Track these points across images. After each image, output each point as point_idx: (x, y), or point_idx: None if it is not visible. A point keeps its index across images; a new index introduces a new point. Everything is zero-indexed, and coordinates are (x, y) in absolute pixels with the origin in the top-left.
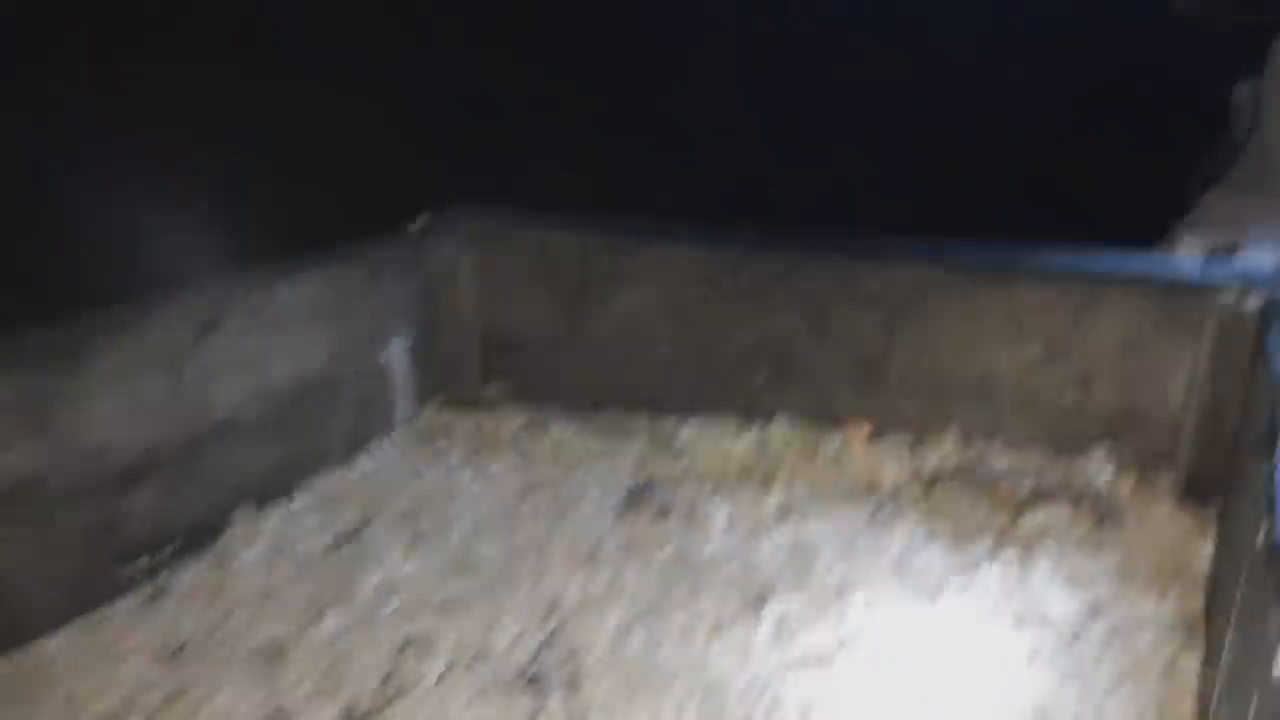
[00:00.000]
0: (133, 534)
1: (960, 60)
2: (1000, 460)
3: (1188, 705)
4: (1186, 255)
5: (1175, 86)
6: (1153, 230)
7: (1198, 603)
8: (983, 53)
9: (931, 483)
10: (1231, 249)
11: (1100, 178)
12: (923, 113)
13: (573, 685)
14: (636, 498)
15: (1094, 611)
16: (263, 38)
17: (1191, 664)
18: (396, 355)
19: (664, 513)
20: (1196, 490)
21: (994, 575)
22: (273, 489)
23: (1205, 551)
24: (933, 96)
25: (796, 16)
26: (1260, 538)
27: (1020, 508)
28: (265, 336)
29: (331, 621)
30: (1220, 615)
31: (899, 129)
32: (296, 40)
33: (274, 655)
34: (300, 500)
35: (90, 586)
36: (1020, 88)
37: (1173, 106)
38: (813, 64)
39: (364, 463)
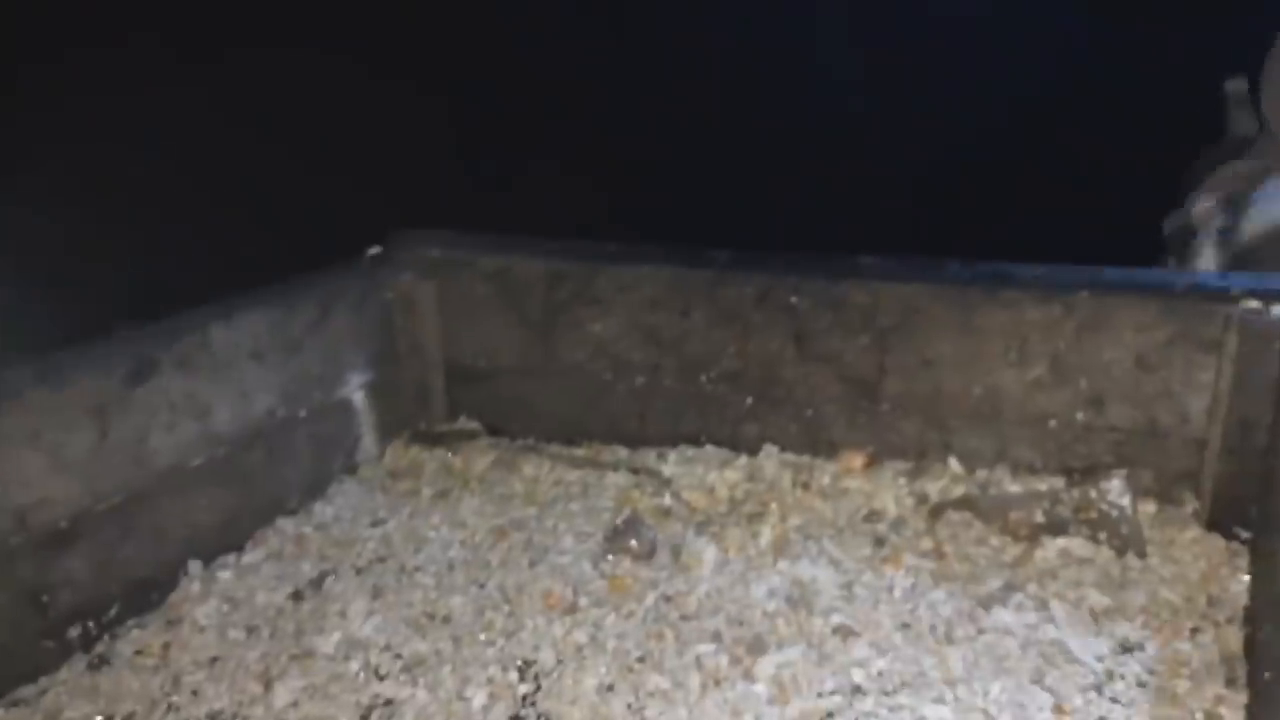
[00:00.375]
0: (70, 598)
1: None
2: (1008, 488)
3: None
4: (1201, 213)
5: (1156, 86)
6: (1144, 237)
7: (1236, 641)
8: (951, 60)
9: (935, 514)
10: (1250, 189)
11: (1083, 185)
12: (894, 127)
13: None
14: (617, 539)
15: (1122, 654)
16: (206, 49)
17: (1234, 712)
18: (354, 392)
19: (647, 554)
20: (1224, 516)
21: (1009, 616)
22: (222, 542)
23: (1238, 582)
24: (902, 110)
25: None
26: None
27: (1033, 539)
28: (205, 380)
29: (287, 686)
30: (1266, 668)
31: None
32: (244, 50)
33: None
34: (253, 553)
35: (26, 656)
36: (994, 94)
37: (1157, 107)
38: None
39: (322, 509)
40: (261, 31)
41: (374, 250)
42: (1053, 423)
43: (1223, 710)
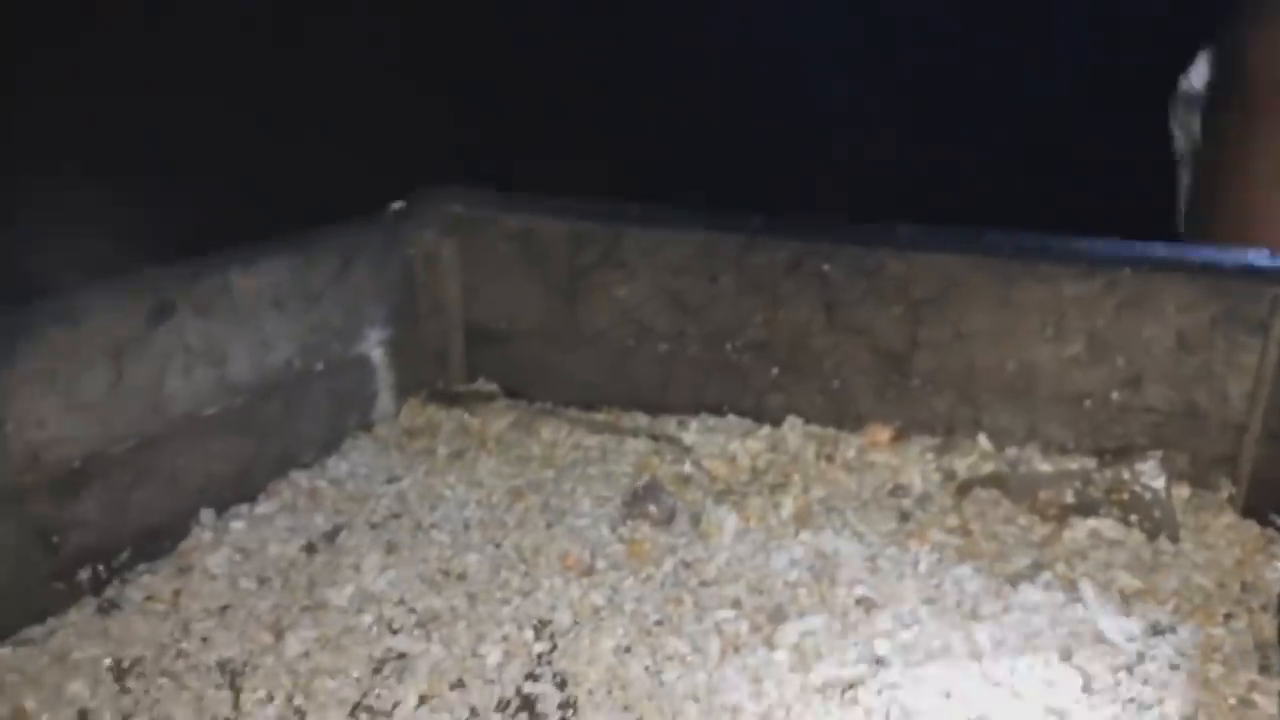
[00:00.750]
0: (80, 540)
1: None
2: (1038, 467)
3: None
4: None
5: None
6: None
7: (1270, 628)
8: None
9: (963, 491)
10: None
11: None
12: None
13: (566, 712)
14: (636, 504)
15: (1153, 636)
16: (205, 51)
17: (1268, 699)
18: (373, 348)
19: (666, 521)
20: (1261, 503)
21: (1037, 594)
22: (236, 492)
23: (1273, 569)
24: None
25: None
26: None
27: (1063, 519)
28: (224, 327)
29: (299, 636)
30: None
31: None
32: (242, 50)
33: (234, 674)
34: (266, 504)
35: (35, 597)
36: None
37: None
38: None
39: (337, 464)
40: (258, 30)
41: (397, 205)
42: (1087, 402)
43: (1256, 696)
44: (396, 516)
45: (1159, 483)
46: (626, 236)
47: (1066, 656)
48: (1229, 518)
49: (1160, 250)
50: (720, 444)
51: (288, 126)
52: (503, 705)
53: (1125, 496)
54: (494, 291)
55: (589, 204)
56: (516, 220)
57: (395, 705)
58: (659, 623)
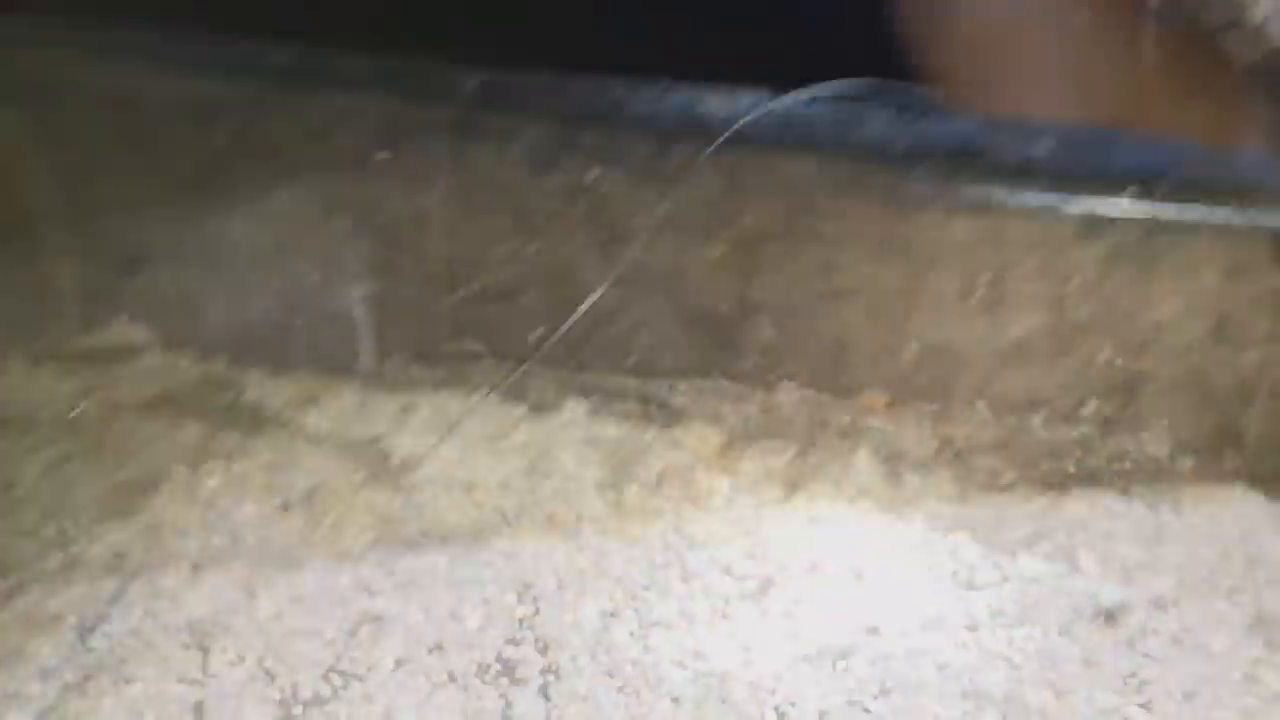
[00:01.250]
0: (46, 495)
1: None
2: (1039, 435)
3: None
4: None
5: None
6: None
7: (1275, 602)
8: None
9: (960, 458)
10: None
11: None
12: None
13: (548, 677)
14: (624, 467)
15: (1155, 610)
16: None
17: (1274, 674)
18: (355, 304)
19: (656, 485)
20: (1267, 474)
21: (1036, 565)
22: (210, 449)
23: None
24: None
25: None
26: None
27: (1063, 489)
28: (198, 278)
29: (272, 598)
30: None
31: None
32: None
33: (205, 634)
34: (242, 462)
35: None
36: None
37: None
38: None
39: (317, 422)
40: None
41: (382, 155)
42: (1091, 369)
43: (1261, 672)
44: (376, 476)
45: (1163, 452)
46: (621, 199)
47: (1066, 629)
48: (1234, 489)
49: (1170, 209)
50: (711, 407)
51: None
52: (482, 670)
53: (1128, 466)
54: (483, 249)
55: (578, 163)
56: (506, 175)
57: (369, 669)
58: (646, 587)
